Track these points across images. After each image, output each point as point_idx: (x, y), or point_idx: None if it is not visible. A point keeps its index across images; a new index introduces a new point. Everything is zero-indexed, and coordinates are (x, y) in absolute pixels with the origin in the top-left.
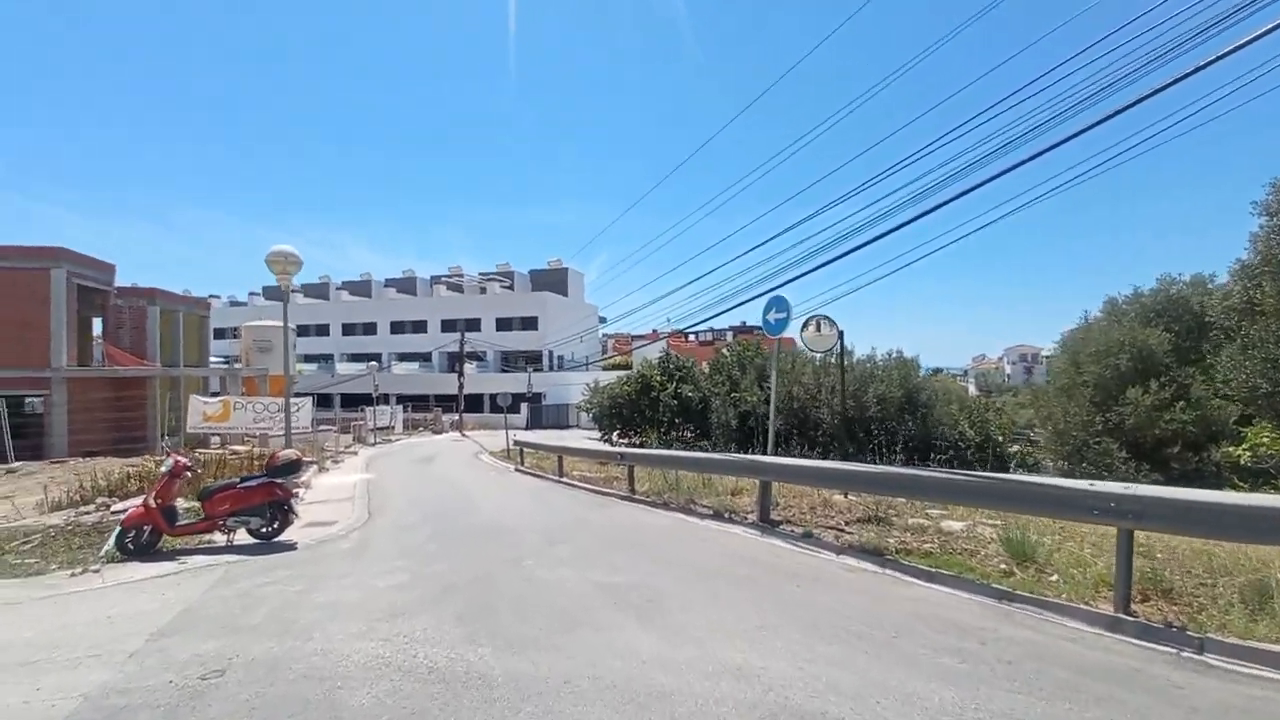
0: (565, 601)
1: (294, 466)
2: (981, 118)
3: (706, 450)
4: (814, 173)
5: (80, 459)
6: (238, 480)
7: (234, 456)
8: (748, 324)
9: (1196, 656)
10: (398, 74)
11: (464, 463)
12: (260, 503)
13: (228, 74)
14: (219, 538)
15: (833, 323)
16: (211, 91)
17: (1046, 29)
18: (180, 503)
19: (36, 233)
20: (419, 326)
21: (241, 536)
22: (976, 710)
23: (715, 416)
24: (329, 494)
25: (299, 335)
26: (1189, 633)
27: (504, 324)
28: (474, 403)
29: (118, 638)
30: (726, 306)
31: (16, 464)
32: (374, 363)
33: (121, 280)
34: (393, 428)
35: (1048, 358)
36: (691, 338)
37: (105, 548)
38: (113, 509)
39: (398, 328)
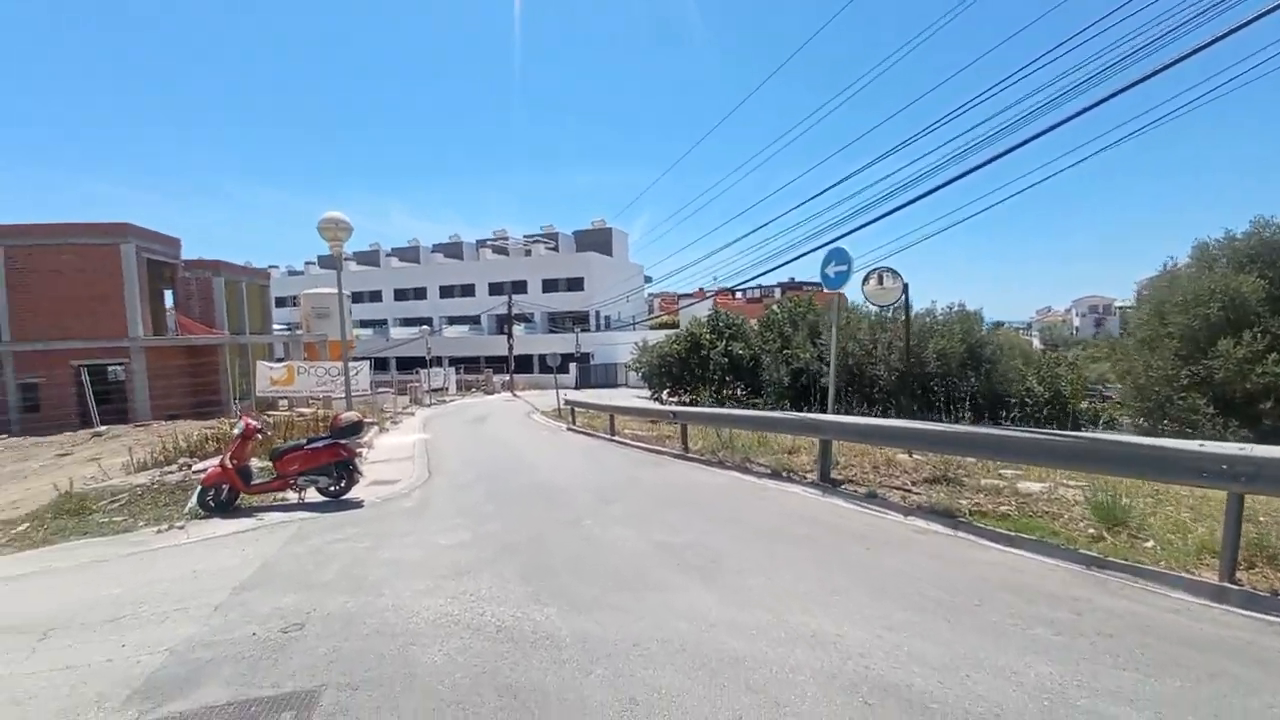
0: (625, 562)
1: (356, 428)
2: (1046, 57)
3: (759, 408)
4: (864, 124)
5: (162, 422)
6: (305, 441)
7: (300, 418)
8: (796, 280)
9: None
10: (443, 48)
11: (516, 422)
12: (327, 462)
13: (281, 58)
14: (291, 495)
15: (896, 275)
16: (268, 75)
17: None
18: (254, 463)
19: (107, 214)
20: (467, 290)
21: (312, 494)
22: (1079, 688)
23: (766, 374)
24: (390, 453)
25: (353, 302)
26: None
27: (550, 285)
28: (523, 363)
29: (202, 592)
30: (778, 262)
31: (103, 427)
32: (426, 326)
33: (186, 254)
34: (446, 389)
35: (1121, 309)
36: (739, 295)
37: (189, 505)
38: (194, 469)
39: (446, 292)
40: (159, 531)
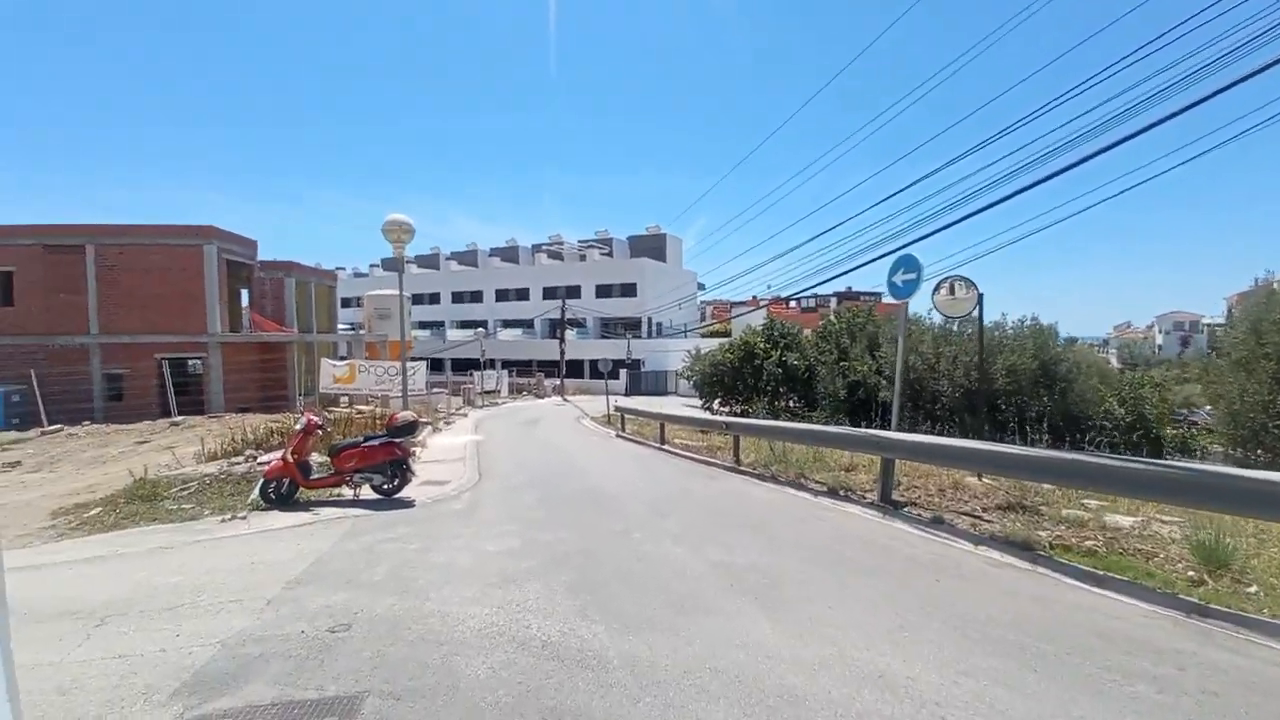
0: (677, 580)
1: (411, 427)
2: (1131, 57)
3: (814, 421)
4: (932, 128)
5: (233, 414)
6: (362, 439)
7: (360, 415)
8: (854, 289)
9: None
10: (504, 52)
11: (567, 427)
12: (382, 461)
13: (355, 74)
14: (346, 492)
15: (970, 284)
16: (340, 86)
17: None
18: (315, 457)
19: (190, 218)
20: (522, 294)
21: (366, 491)
22: None
23: (822, 386)
24: (443, 454)
25: (413, 304)
26: None
27: (603, 290)
28: (574, 368)
29: (257, 584)
30: (836, 272)
31: (179, 418)
32: (481, 329)
33: (260, 255)
34: (498, 391)
35: (1210, 326)
36: (793, 304)
37: (251, 496)
38: (258, 460)
39: (502, 295)
40: (223, 521)
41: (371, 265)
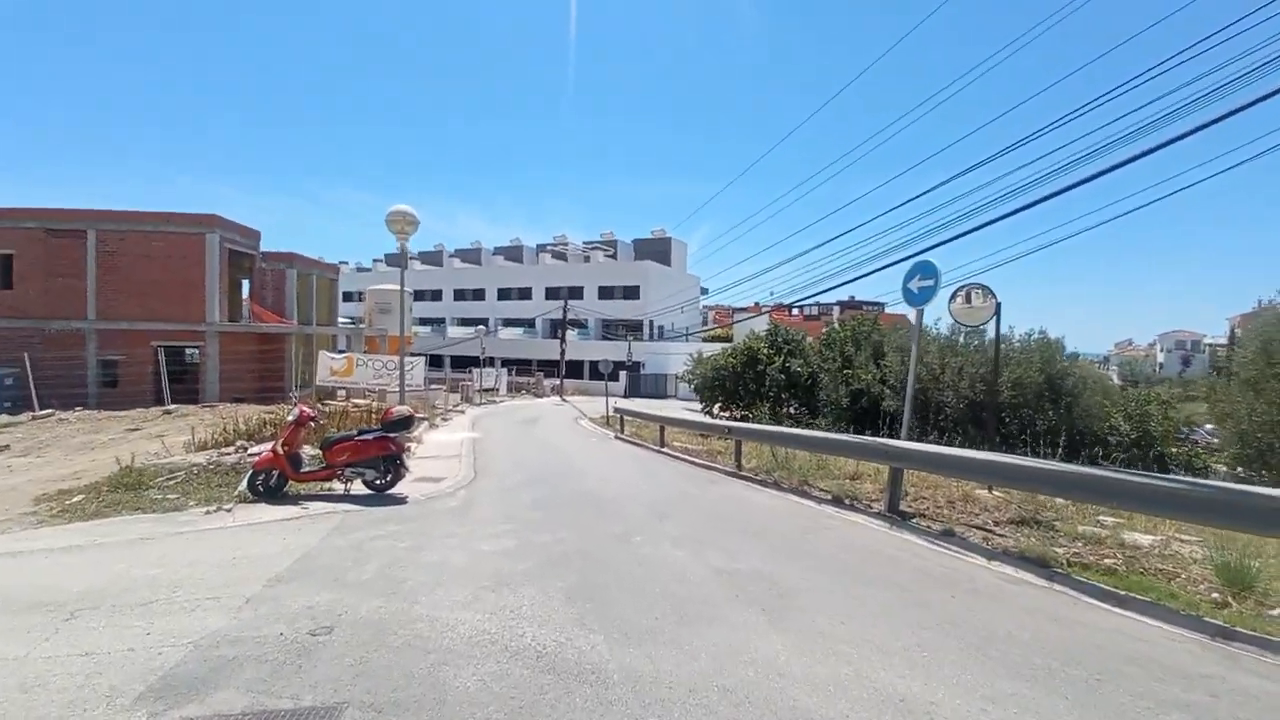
0: (680, 588)
1: (406, 422)
2: (1154, 70)
3: (816, 428)
4: (938, 141)
5: (228, 404)
6: (355, 433)
7: (356, 409)
8: (856, 299)
9: None
10: (512, 54)
11: (565, 427)
12: (375, 455)
13: (361, 70)
14: (338, 486)
15: (989, 293)
16: (345, 83)
17: None
18: (308, 450)
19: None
20: (524, 293)
21: (358, 486)
22: None
23: (825, 393)
24: (439, 450)
25: (415, 300)
26: None
27: (606, 292)
28: (574, 369)
29: (238, 581)
30: (841, 280)
31: (173, 406)
32: (482, 327)
33: (263, 245)
34: (497, 389)
35: (1212, 346)
36: (795, 312)
37: (239, 488)
38: (249, 451)
39: (504, 294)
40: (208, 513)
41: (375, 260)
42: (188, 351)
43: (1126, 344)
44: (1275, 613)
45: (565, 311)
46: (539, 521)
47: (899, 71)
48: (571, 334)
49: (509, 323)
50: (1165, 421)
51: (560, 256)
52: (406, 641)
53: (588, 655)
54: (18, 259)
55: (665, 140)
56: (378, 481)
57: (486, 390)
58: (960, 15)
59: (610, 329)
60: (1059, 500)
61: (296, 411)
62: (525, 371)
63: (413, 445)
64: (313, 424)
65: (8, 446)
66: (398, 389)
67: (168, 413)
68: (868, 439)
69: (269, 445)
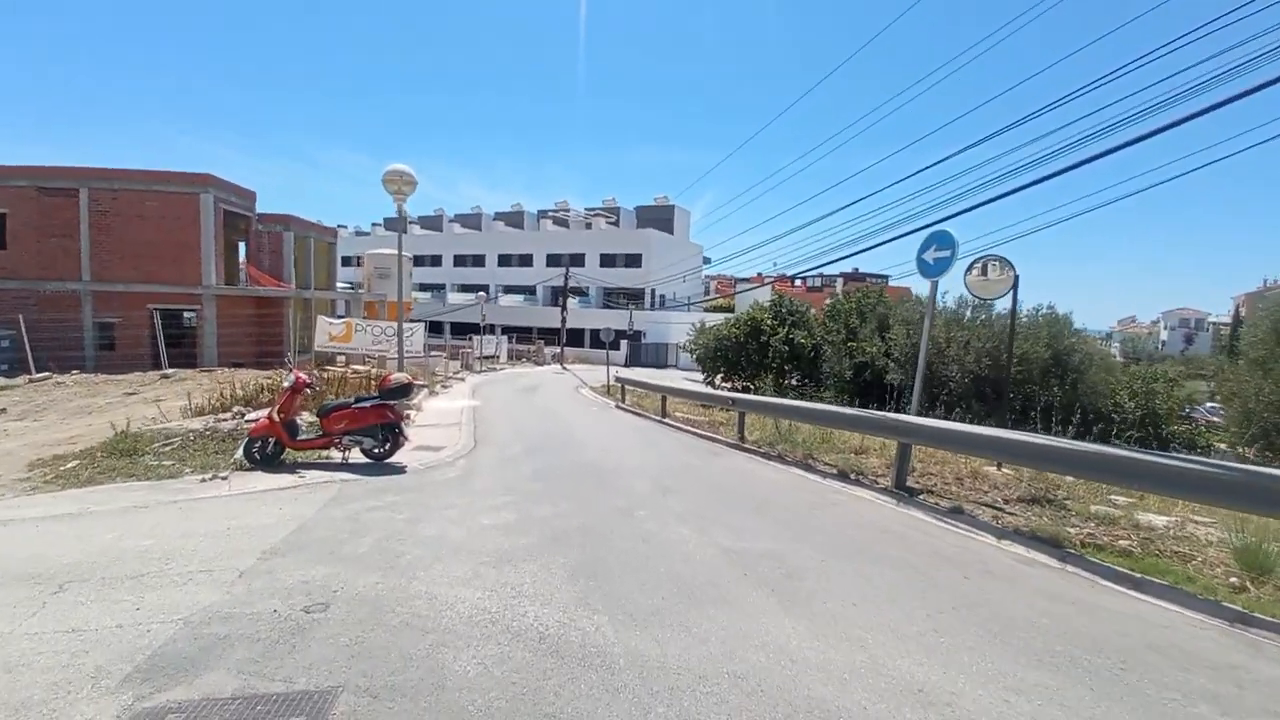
0: (686, 566)
1: (405, 390)
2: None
3: (819, 400)
4: (949, 111)
5: (226, 369)
6: (353, 400)
7: (355, 375)
8: (860, 271)
9: None
10: (512, 21)
11: (565, 395)
12: (373, 424)
13: (361, 24)
14: (335, 455)
15: (1007, 265)
16: (346, 40)
17: None
18: (306, 415)
19: (190, 165)
20: (525, 260)
21: (355, 455)
22: None
23: (828, 365)
24: (439, 418)
25: (415, 265)
26: None
27: (608, 260)
28: (575, 337)
29: (232, 552)
30: (847, 252)
31: (171, 370)
32: (482, 294)
33: (260, 208)
34: (497, 357)
35: (1215, 324)
36: (798, 283)
37: (235, 455)
38: (246, 418)
39: (505, 260)
40: (203, 480)
41: (374, 224)
42: (185, 315)
43: (1129, 321)
44: None
45: (566, 279)
46: (540, 493)
47: (906, 46)
48: (573, 302)
49: (510, 289)
50: (1170, 399)
51: (562, 223)
52: (404, 620)
53: (592, 638)
54: (11, 218)
55: (669, 110)
56: (376, 450)
57: (487, 358)
58: None
59: (612, 297)
60: (1068, 478)
61: (292, 378)
62: (526, 339)
63: (412, 413)
64: (309, 390)
65: (4, 410)
66: (396, 356)
67: (165, 377)
68: (876, 413)
69: (265, 412)
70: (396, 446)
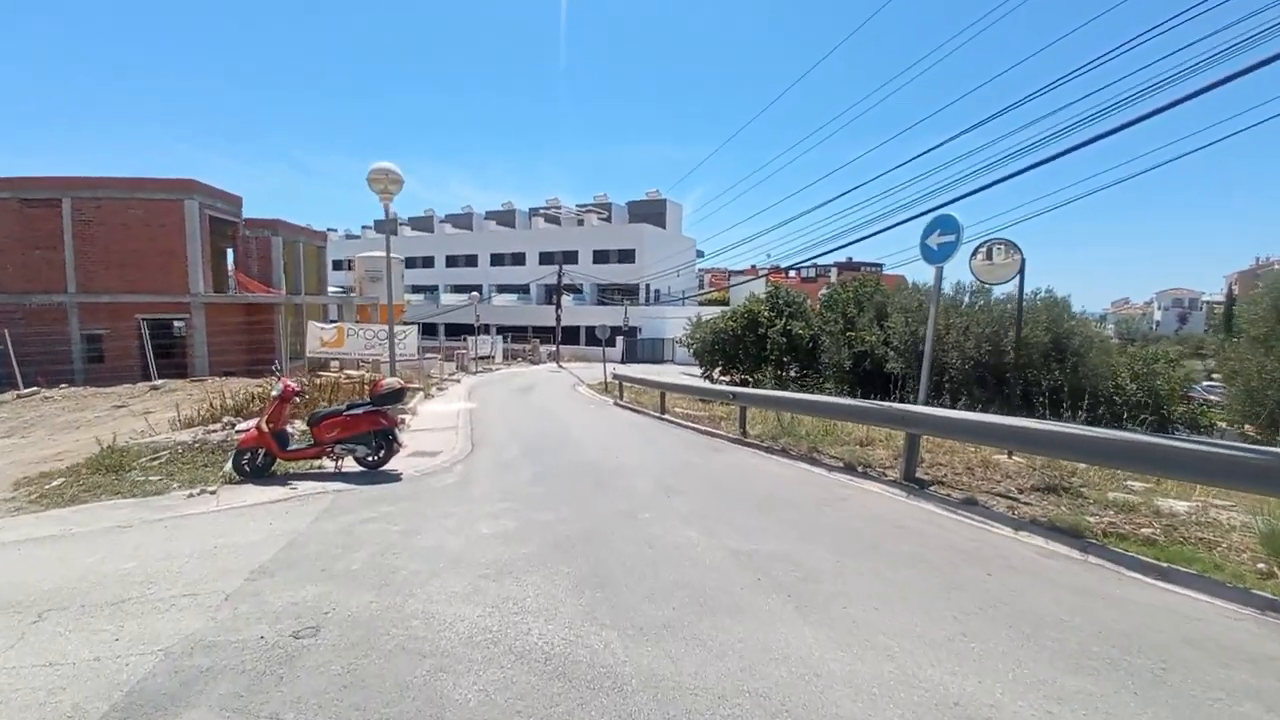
0: (695, 572)
1: (397, 395)
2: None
3: (824, 392)
4: (933, 103)
5: (217, 378)
6: (345, 407)
7: (348, 381)
8: (854, 260)
9: None
10: (503, 20)
11: (562, 394)
12: (365, 431)
13: (352, 27)
14: (328, 464)
15: (1014, 248)
16: (337, 43)
17: None
18: (298, 424)
19: (183, 170)
20: (517, 259)
21: (349, 464)
22: None
23: (826, 355)
24: (434, 422)
25: (407, 267)
26: None
27: (601, 256)
28: (570, 334)
29: (218, 574)
30: (853, 238)
31: (160, 381)
32: (475, 294)
33: (248, 213)
34: (493, 357)
35: (1209, 304)
36: (793, 274)
37: (224, 468)
38: (236, 428)
39: (497, 260)
40: (190, 496)
41: (364, 227)
42: (174, 324)
43: (1123, 302)
44: None
45: (560, 276)
46: (540, 498)
47: (894, 34)
48: (567, 299)
49: (503, 289)
50: (1171, 380)
51: (553, 220)
52: (400, 644)
53: (601, 656)
54: None
55: (659, 105)
56: (369, 458)
57: (482, 358)
58: None
59: (606, 293)
60: (1081, 465)
61: (280, 386)
62: (521, 338)
63: (407, 418)
64: (298, 399)
65: None
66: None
67: (155, 388)
68: (882, 404)
69: (255, 422)
70: (391, 453)
